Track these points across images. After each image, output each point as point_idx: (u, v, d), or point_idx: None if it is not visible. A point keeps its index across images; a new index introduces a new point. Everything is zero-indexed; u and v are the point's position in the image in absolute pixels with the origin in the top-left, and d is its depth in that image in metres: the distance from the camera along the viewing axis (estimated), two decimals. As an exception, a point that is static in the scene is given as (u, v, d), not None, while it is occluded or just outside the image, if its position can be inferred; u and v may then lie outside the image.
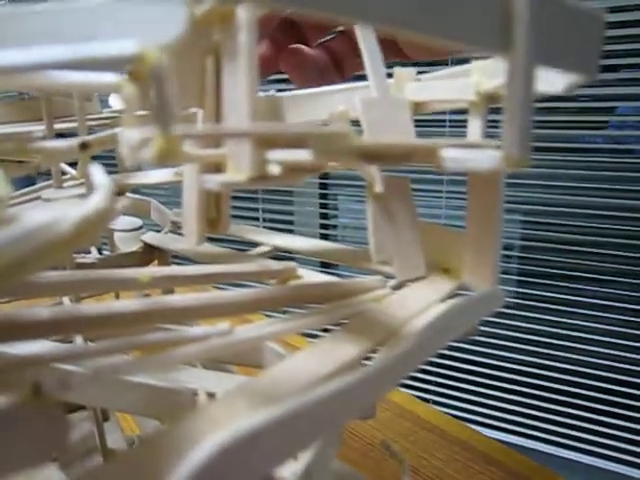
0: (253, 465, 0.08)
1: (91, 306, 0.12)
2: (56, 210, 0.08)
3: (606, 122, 1.09)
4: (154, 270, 0.15)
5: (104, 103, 0.27)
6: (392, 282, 0.15)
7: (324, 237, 1.34)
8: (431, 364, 1.26)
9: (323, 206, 1.35)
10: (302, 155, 0.10)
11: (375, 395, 0.11)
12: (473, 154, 0.10)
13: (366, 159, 0.10)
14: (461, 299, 0.13)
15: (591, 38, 0.10)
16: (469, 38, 0.08)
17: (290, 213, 1.42)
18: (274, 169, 0.11)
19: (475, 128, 0.15)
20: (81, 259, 0.21)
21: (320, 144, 0.09)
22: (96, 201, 0.09)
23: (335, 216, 1.37)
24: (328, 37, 0.31)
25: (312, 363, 0.11)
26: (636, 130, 1.06)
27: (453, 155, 0.11)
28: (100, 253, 0.24)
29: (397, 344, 0.11)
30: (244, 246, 0.24)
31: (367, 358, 0.12)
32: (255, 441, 0.08)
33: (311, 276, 0.16)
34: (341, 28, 0.30)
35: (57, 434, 0.09)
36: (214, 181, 0.12)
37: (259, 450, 0.08)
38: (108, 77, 0.09)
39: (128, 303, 0.13)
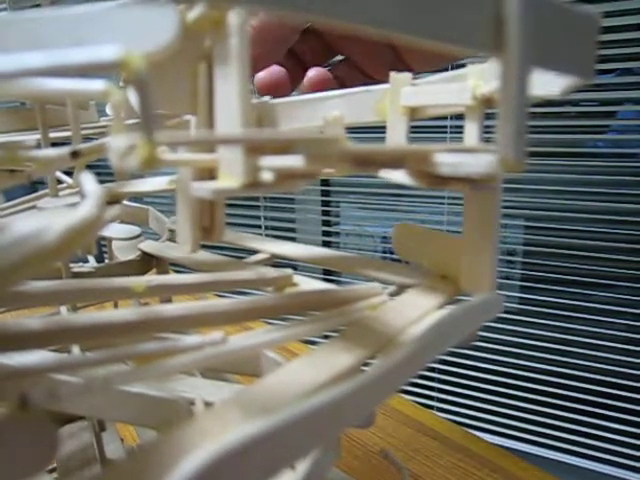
0: (244, 477, 0.08)
1: (84, 316, 0.12)
2: (44, 219, 0.08)
3: (607, 126, 1.08)
4: (149, 279, 0.15)
5: (102, 113, 0.27)
6: (390, 289, 0.15)
7: (326, 244, 1.34)
8: (434, 370, 1.25)
9: (325, 213, 1.35)
10: (294, 161, 0.10)
11: (372, 404, 0.10)
12: (468, 158, 0.10)
13: (358, 164, 0.10)
14: (459, 306, 0.12)
15: (586, 40, 0.10)
16: (461, 39, 0.08)
17: (292, 220, 1.42)
18: (266, 176, 0.11)
19: (472, 133, 0.15)
20: (78, 268, 0.21)
21: (311, 150, 0.09)
22: (84, 210, 0.08)
23: (337, 223, 1.37)
24: (330, 64, 0.31)
25: (307, 372, 0.11)
26: (637, 134, 1.06)
27: (448, 160, 0.10)
28: (100, 262, 0.24)
29: (394, 352, 0.11)
30: (244, 254, 0.24)
31: (364, 366, 0.12)
32: (247, 452, 0.08)
33: (308, 283, 0.16)
34: (340, 57, 0.31)
35: (45, 448, 0.08)
36: (206, 188, 0.11)
37: (251, 461, 0.08)
38: (97, 84, 0.09)
39: (122, 312, 0.12)
